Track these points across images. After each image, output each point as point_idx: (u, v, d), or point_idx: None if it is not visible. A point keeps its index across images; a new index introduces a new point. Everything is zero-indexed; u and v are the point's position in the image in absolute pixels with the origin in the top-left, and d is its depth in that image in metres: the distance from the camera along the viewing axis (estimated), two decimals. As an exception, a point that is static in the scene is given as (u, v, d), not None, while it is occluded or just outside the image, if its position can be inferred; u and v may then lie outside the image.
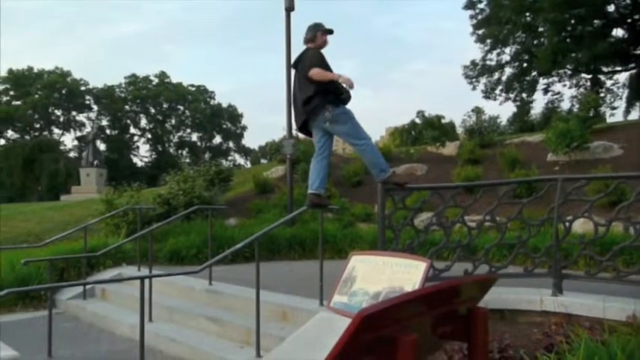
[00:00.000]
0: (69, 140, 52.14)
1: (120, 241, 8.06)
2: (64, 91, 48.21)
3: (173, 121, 55.30)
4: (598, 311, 3.85)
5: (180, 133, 56.36)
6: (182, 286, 6.20)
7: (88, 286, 7.00)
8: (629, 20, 24.22)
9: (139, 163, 54.28)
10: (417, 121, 21.65)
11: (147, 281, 5.26)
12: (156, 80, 53.24)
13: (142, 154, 55.33)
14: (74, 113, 50.49)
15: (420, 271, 2.57)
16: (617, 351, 2.64)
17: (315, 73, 4.63)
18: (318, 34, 4.99)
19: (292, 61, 5.08)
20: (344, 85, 4.69)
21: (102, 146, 45.80)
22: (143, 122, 54.43)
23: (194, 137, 57.22)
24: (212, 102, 56.71)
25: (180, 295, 6.19)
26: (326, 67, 4.78)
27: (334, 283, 2.97)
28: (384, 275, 2.70)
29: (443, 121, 20.85)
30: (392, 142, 25.75)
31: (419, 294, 1.45)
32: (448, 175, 11.31)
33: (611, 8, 23.80)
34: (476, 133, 14.45)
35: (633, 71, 26.18)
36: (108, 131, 52.03)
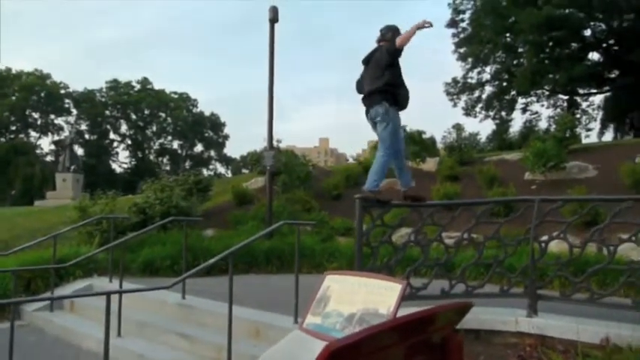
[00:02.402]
0: (46, 144, 51.13)
1: (92, 250, 7.85)
2: (42, 94, 47.38)
3: (154, 128, 54.75)
4: (572, 334, 3.85)
5: (161, 140, 55.81)
6: (154, 300, 6.04)
7: (56, 297, 6.78)
8: (604, 45, 24.96)
9: (118, 170, 53.54)
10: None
11: (117, 295, 5.12)
12: (138, 86, 52.77)
13: (122, 160, 54.63)
14: (52, 116, 49.63)
15: (395, 293, 2.51)
16: (591, 377, 2.62)
17: (399, 40, 4.89)
18: (396, 35, 5.21)
19: (364, 57, 5.28)
20: (425, 26, 4.86)
21: (80, 151, 45.06)
22: (123, 128, 53.82)
23: (175, 145, 56.73)
24: (194, 110, 56.37)
25: (151, 309, 6.03)
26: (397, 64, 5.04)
27: (308, 302, 2.90)
28: (358, 296, 2.64)
29: (424, 136, 21.02)
30: (373, 155, 25.76)
31: (390, 325, 1.40)
32: (427, 191, 11.33)
33: (588, 32, 24.49)
34: (456, 150, 14.59)
35: (608, 94, 26.91)
36: (87, 136, 51.24)
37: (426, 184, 12.22)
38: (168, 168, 51.38)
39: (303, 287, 4.60)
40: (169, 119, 54.52)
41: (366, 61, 5.20)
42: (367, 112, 5.13)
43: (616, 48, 24.54)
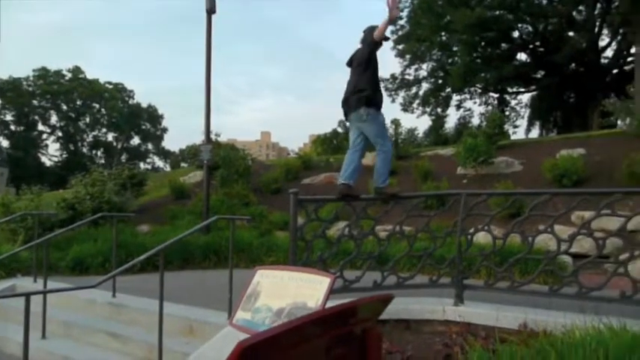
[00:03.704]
0: (-35, 136, 47.46)
1: (15, 248, 7.43)
2: (-39, 81, 43.95)
3: (87, 120, 52.18)
4: (493, 320, 4.07)
5: (94, 133, 53.30)
6: (82, 300, 5.80)
7: (-26, 299, 6.34)
8: (531, 46, 26.38)
9: (48, 163, 50.64)
10: (339, 130, 22.11)
11: (41, 296, 4.89)
12: (69, 75, 50.01)
13: (52, 153, 51.70)
14: (-28, 106, 46.16)
15: (324, 286, 2.56)
16: (506, 361, 2.79)
17: (376, 33, 5.01)
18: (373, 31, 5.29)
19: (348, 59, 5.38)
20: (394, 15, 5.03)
21: (5, 143, 42.31)
22: (53, 119, 50.89)
23: (110, 137, 54.40)
24: (130, 101, 54.26)
25: (79, 308, 5.78)
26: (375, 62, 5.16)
27: (238, 297, 2.91)
28: (288, 291, 2.67)
29: (363, 131, 21.39)
30: (314, 150, 26.02)
31: (309, 319, 1.43)
32: (365, 185, 11.56)
33: (516, 34, 25.79)
34: (393, 144, 14.95)
35: (534, 93, 28.51)
36: (12, 127, 48.07)
37: (363, 178, 12.46)
38: (102, 161, 49.21)
39: (239, 282, 4.57)
40: (103, 110, 52.16)
41: (350, 63, 5.31)
42: (347, 115, 5.25)
43: (541, 50, 26.00)
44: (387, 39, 5.36)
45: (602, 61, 25.49)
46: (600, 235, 4.29)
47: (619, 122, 13.29)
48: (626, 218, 4.19)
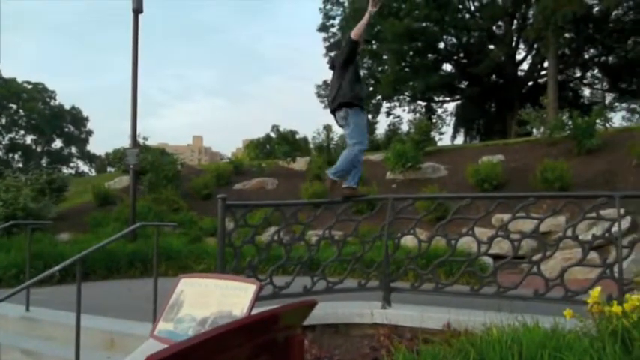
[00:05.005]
0: None
1: None
2: None
3: (3, 121, 48.54)
4: (418, 322, 4.18)
5: (11, 135, 49.67)
6: (-9, 315, 5.37)
7: None
8: (455, 57, 27.69)
9: (-44, 167, 46.52)
10: (272, 135, 22.09)
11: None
12: (-18, 73, 46.31)
13: (-38, 156, 47.60)
14: None
15: (250, 293, 2.52)
16: (428, 360, 2.88)
17: (353, 32, 5.03)
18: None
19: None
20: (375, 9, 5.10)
21: None
22: (-36, 120, 46.92)
23: (29, 140, 50.92)
24: (52, 102, 51.10)
25: (-12, 324, 5.35)
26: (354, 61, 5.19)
27: (160, 307, 2.80)
28: (213, 299, 2.60)
29: (297, 136, 21.57)
30: (247, 155, 25.76)
31: (227, 329, 1.40)
32: (297, 189, 11.60)
33: (442, 45, 26.99)
34: (325, 150, 15.13)
35: (459, 102, 29.91)
36: None
37: (295, 183, 12.49)
38: (20, 165, 45.98)
39: (166, 291, 4.41)
40: (22, 111, 48.76)
41: (331, 66, 5.34)
42: (333, 114, 5.30)
43: (465, 61, 27.36)
44: (368, 42, 5.42)
45: (519, 73, 27.21)
46: (516, 237, 4.53)
47: (534, 131, 14.19)
48: (539, 220, 4.47)
